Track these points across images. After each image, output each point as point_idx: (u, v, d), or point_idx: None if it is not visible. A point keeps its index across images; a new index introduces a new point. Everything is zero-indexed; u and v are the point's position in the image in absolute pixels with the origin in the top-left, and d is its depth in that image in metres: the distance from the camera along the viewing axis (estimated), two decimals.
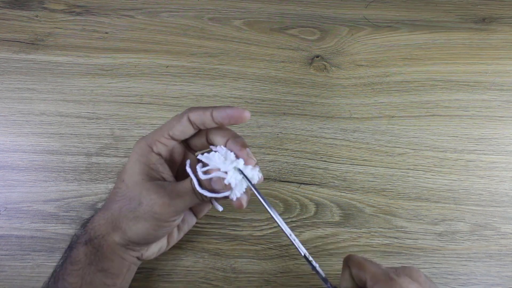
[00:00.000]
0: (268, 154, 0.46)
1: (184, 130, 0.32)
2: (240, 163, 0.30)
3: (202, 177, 0.31)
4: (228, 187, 0.30)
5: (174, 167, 0.35)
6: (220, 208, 0.34)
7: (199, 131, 0.34)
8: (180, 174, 0.35)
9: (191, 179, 0.31)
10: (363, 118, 0.49)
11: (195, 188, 0.30)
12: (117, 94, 0.49)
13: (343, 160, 0.46)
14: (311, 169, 0.45)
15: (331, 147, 0.47)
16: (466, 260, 0.41)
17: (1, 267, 0.39)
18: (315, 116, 0.49)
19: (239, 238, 0.41)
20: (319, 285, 0.39)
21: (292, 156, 0.46)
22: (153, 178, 0.32)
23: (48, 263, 0.39)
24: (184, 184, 0.31)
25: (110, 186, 0.43)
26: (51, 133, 0.46)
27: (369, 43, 0.55)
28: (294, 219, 0.42)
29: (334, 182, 0.45)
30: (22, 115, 0.47)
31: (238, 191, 0.31)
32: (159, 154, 0.33)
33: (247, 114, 0.31)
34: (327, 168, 0.45)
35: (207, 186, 0.31)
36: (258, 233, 0.41)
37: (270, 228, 0.42)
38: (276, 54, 0.54)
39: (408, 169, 0.46)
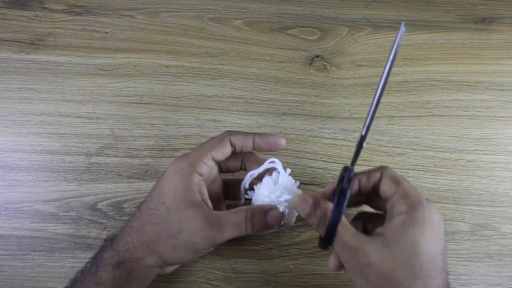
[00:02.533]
0: (268, 154, 0.46)
1: (225, 151, 0.34)
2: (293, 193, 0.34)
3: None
4: (282, 220, 0.33)
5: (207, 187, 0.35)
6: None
7: (234, 155, 0.36)
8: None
9: (238, 215, 0.32)
10: (363, 118, 0.49)
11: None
12: (117, 94, 0.49)
13: (343, 160, 0.46)
14: (311, 169, 0.45)
15: (331, 147, 0.47)
16: (466, 260, 0.41)
17: (1, 267, 0.39)
18: (315, 116, 0.49)
19: (239, 238, 0.41)
20: (319, 285, 0.39)
21: (292, 156, 0.46)
22: (194, 203, 0.31)
23: (48, 263, 0.39)
24: (228, 218, 0.31)
25: (110, 186, 0.43)
26: (51, 133, 0.46)
27: (369, 43, 0.55)
28: None
29: (334, 182, 0.44)
30: (22, 115, 0.47)
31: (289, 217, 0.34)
32: (201, 175, 0.33)
33: (283, 142, 0.35)
34: (327, 168, 0.45)
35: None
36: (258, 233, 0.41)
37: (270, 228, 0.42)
38: (276, 54, 0.54)
39: (408, 169, 0.46)
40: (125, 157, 0.45)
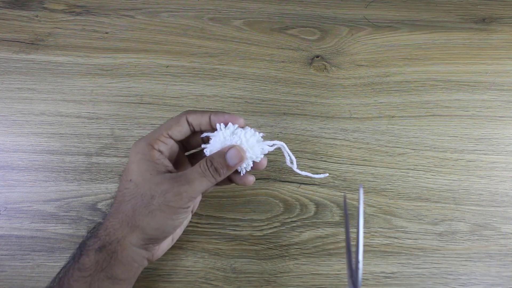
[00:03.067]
0: (268, 154, 0.46)
1: (182, 130, 0.34)
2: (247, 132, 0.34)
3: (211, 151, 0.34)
4: (244, 158, 0.33)
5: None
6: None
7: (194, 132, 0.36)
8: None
9: (200, 164, 0.32)
10: (363, 118, 0.49)
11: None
12: (117, 94, 0.49)
13: (343, 160, 0.46)
14: (311, 169, 0.45)
15: (331, 147, 0.47)
16: (466, 260, 0.41)
17: (1, 267, 0.39)
18: (315, 116, 0.49)
19: (239, 238, 0.41)
20: (319, 285, 0.39)
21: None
22: (160, 172, 0.32)
23: (48, 263, 0.39)
24: (193, 169, 0.32)
25: (110, 186, 0.43)
26: (51, 133, 0.46)
27: (369, 43, 0.55)
28: (294, 219, 0.42)
29: (334, 182, 0.45)
30: (22, 115, 0.47)
31: (250, 159, 0.34)
32: (159, 151, 0.33)
33: (241, 121, 0.34)
34: (327, 168, 0.45)
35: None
36: (258, 233, 0.41)
37: (270, 228, 0.42)
38: (276, 54, 0.54)
39: (408, 169, 0.46)
40: (125, 157, 0.45)
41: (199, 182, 0.32)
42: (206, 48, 0.54)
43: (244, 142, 0.33)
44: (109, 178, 0.44)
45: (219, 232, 0.41)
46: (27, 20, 0.55)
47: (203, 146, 0.35)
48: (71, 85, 0.50)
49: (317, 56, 0.54)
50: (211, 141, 0.34)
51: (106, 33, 0.55)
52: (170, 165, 0.34)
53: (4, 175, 0.44)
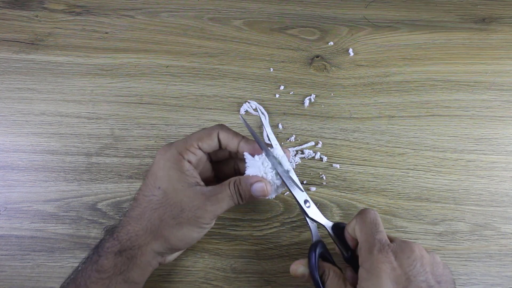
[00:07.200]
0: None
1: (212, 144, 0.35)
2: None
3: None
4: (268, 193, 0.34)
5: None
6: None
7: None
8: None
9: (229, 186, 0.33)
10: (363, 118, 0.49)
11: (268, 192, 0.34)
12: (117, 94, 0.49)
13: (343, 160, 0.46)
14: (311, 169, 0.45)
15: (331, 147, 0.47)
16: (466, 260, 0.41)
17: (1, 267, 0.39)
18: (315, 116, 0.49)
19: (239, 238, 0.41)
20: None
21: (292, 156, 0.46)
22: (190, 184, 0.33)
23: (48, 263, 0.39)
24: (223, 189, 0.33)
25: (110, 186, 0.43)
26: (51, 133, 0.46)
27: (369, 43, 0.55)
28: (294, 219, 0.42)
29: (334, 182, 0.45)
30: (22, 115, 0.47)
31: (274, 192, 0.36)
32: (190, 162, 0.34)
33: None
34: (327, 168, 0.45)
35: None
36: (258, 233, 0.41)
37: (270, 228, 0.42)
38: (276, 54, 0.54)
39: (408, 169, 0.46)
40: (125, 157, 0.45)
41: (226, 203, 0.33)
42: (206, 48, 0.54)
43: (275, 180, 0.35)
44: (109, 178, 0.44)
45: (219, 232, 0.41)
46: (27, 20, 0.55)
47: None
48: (71, 85, 0.50)
49: (317, 56, 0.54)
50: (248, 168, 0.35)
51: (106, 33, 0.55)
52: (198, 177, 0.34)
53: (4, 175, 0.44)
